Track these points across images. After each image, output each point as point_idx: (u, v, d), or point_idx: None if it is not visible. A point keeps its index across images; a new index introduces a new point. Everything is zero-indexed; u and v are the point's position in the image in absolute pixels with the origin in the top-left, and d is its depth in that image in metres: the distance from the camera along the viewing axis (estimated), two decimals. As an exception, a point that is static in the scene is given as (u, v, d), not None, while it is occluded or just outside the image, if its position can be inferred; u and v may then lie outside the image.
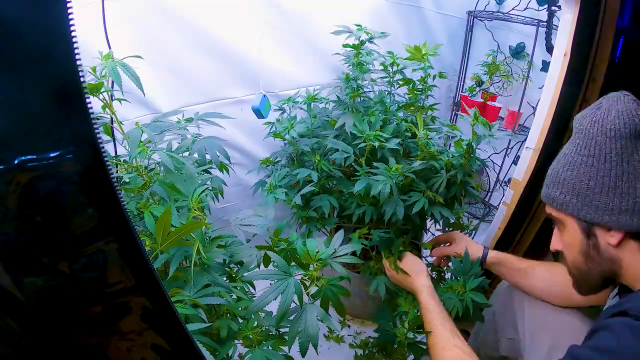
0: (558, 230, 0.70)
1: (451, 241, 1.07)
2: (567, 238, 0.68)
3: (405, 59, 1.13)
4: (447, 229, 1.20)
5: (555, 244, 0.71)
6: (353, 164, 1.08)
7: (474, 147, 1.01)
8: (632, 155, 0.59)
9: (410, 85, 1.17)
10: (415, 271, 0.99)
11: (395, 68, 1.21)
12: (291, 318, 0.72)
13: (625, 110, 0.60)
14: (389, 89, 1.28)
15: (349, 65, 1.19)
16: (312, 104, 1.28)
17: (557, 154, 0.71)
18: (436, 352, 0.81)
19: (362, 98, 1.25)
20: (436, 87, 1.21)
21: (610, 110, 0.61)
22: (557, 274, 0.86)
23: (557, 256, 0.77)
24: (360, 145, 1.06)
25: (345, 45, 1.17)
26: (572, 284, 0.71)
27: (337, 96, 1.26)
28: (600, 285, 0.67)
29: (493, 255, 0.99)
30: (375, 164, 1.03)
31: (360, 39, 1.15)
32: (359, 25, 1.15)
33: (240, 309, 0.77)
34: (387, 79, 1.23)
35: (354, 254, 0.77)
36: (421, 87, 1.18)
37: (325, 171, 1.13)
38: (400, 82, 1.19)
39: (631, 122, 0.59)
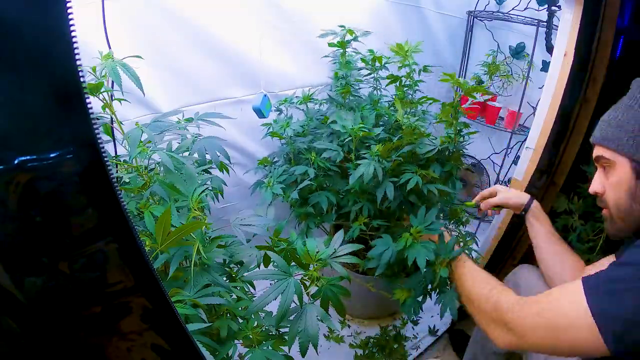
0: (603, 171, 0.73)
1: (494, 193, 1.06)
2: (614, 178, 0.70)
3: (390, 56, 1.16)
4: (448, 222, 1.21)
5: (596, 186, 0.74)
6: (345, 163, 1.10)
7: (459, 111, 1.02)
8: None
9: (398, 82, 1.20)
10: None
11: (377, 65, 1.25)
12: (291, 318, 0.72)
13: None
14: (375, 85, 1.31)
15: (339, 66, 1.24)
16: (308, 104, 1.30)
17: (612, 106, 0.74)
18: (469, 284, 0.83)
19: (353, 96, 1.28)
20: (423, 82, 1.23)
21: None
22: (568, 261, 0.91)
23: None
24: (346, 140, 1.09)
25: (330, 45, 1.20)
26: (607, 225, 0.74)
27: (329, 95, 1.28)
28: (633, 228, 0.70)
29: (536, 205, 0.99)
30: (361, 153, 1.06)
31: (345, 38, 1.19)
32: (342, 26, 1.18)
33: (240, 309, 0.77)
34: (372, 74, 1.26)
35: (354, 254, 0.77)
36: (408, 83, 1.19)
37: (321, 168, 1.14)
38: (387, 79, 1.21)
39: None
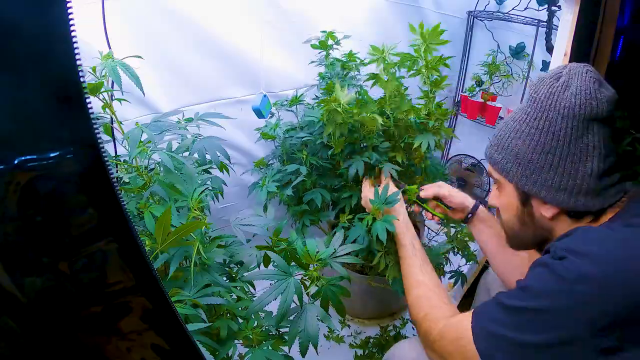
0: (496, 189, 0.71)
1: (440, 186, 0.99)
2: (504, 199, 0.69)
3: (369, 59, 1.15)
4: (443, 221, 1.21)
5: (493, 199, 0.73)
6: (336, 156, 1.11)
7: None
8: (581, 137, 0.58)
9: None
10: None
11: (356, 64, 1.27)
12: (291, 318, 0.72)
13: (584, 89, 0.57)
14: (357, 84, 1.30)
15: (325, 67, 1.25)
16: (298, 105, 1.30)
17: (507, 117, 0.70)
18: (406, 289, 0.83)
19: None
20: (404, 77, 1.23)
21: (569, 85, 0.59)
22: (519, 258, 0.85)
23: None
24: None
25: (313, 46, 1.21)
26: (506, 239, 0.74)
27: (316, 95, 1.29)
28: (530, 245, 0.70)
29: (482, 210, 0.93)
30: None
31: (329, 43, 1.22)
32: (323, 31, 1.21)
33: (240, 309, 0.77)
34: (349, 74, 1.28)
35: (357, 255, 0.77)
36: (387, 78, 1.19)
37: (315, 166, 1.15)
38: (371, 80, 1.21)
39: (587, 104, 0.57)
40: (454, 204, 0.94)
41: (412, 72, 1.05)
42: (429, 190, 0.96)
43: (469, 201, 0.93)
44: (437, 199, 0.97)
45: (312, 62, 1.29)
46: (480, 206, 0.93)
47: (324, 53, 1.27)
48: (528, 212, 0.65)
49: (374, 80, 1.08)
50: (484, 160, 2.01)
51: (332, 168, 1.20)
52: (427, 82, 1.02)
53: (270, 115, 1.32)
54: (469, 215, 0.93)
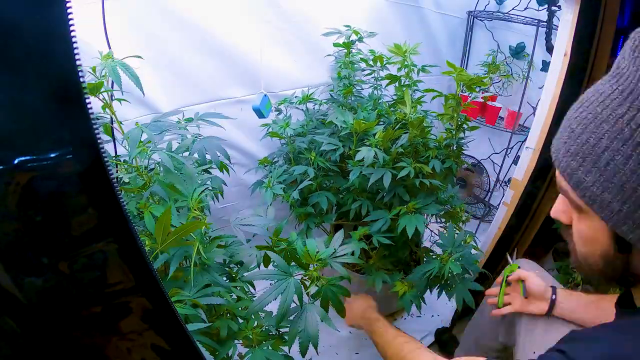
0: (575, 212, 0.49)
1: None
2: (586, 231, 0.48)
3: (390, 57, 1.17)
4: (441, 218, 1.22)
5: (559, 213, 0.52)
6: (346, 160, 1.11)
7: (460, 104, 1.05)
8: None
9: (397, 82, 1.21)
10: (363, 315, 1.01)
11: (379, 65, 1.27)
12: (291, 318, 0.72)
13: None
14: (375, 85, 1.32)
15: (341, 65, 1.25)
16: (307, 104, 1.31)
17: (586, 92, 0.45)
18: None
19: (354, 97, 1.29)
20: (422, 81, 1.23)
21: None
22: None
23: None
24: (342, 133, 1.10)
25: (335, 45, 1.20)
26: (573, 260, 0.54)
27: (331, 95, 1.28)
28: (604, 281, 0.52)
29: (561, 294, 0.87)
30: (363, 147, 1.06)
31: (350, 39, 1.19)
32: (347, 26, 1.18)
33: (240, 309, 0.77)
34: (373, 74, 1.28)
35: (354, 254, 0.77)
36: (408, 82, 1.20)
37: (321, 168, 1.14)
38: (387, 79, 1.22)
39: None
40: (532, 292, 0.88)
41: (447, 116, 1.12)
42: (514, 274, 0.93)
43: (548, 293, 0.87)
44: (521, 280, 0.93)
45: (328, 55, 1.29)
46: (559, 292, 0.87)
47: (333, 49, 1.27)
48: (622, 260, 0.46)
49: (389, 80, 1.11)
50: (484, 160, 2.01)
51: (340, 171, 1.20)
52: (455, 123, 1.09)
53: (277, 112, 1.32)
54: (549, 310, 0.86)
